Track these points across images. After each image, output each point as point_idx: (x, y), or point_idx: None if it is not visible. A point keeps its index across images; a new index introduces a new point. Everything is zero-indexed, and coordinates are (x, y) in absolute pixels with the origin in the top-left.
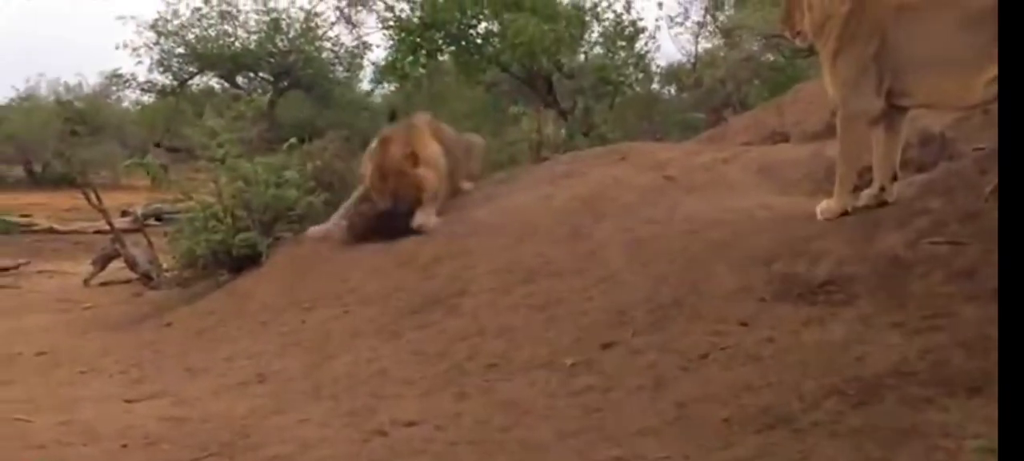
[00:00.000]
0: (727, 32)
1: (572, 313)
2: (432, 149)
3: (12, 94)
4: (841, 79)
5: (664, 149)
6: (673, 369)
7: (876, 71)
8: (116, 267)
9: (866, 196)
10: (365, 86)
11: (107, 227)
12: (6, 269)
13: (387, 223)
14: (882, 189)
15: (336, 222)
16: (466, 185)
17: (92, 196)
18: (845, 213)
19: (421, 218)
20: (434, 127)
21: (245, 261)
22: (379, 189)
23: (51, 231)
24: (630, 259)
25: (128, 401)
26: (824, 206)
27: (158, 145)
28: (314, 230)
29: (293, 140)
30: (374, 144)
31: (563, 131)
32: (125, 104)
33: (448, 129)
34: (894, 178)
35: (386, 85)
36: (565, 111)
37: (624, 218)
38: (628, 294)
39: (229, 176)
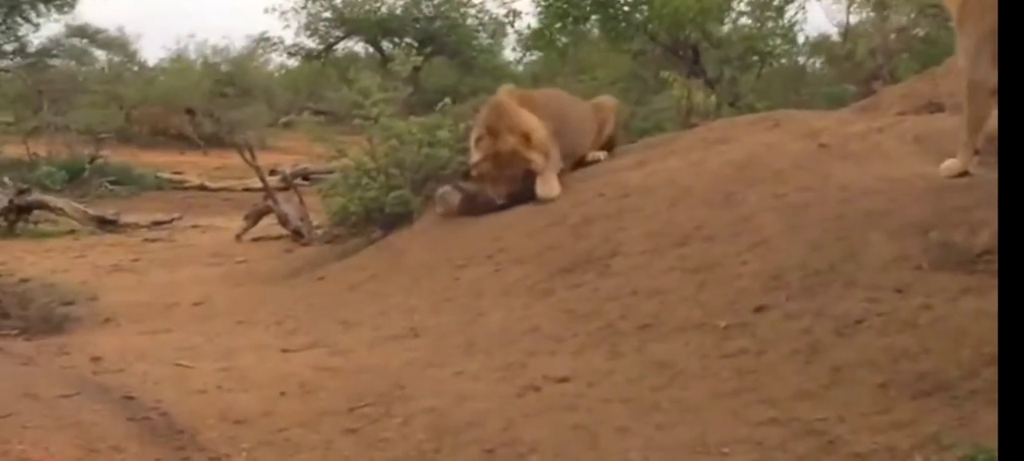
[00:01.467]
0: (879, 4)
1: (726, 276)
2: (530, 121)
3: (163, 55)
4: (964, 48)
5: (817, 117)
6: (828, 334)
7: (991, 44)
8: (266, 224)
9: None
10: (508, 54)
11: (259, 184)
12: (160, 223)
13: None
14: None
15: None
16: (596, 154)
17: (247, 154)
18: (965, 173)
19: (543, 188)
20: (520, 96)
21: (397, 219)
22: (494, 177)
23: (202, 188)
24: (784, 225)
25: (284, 351)
26: (947, 164)
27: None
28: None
29: (447, 100)
30: (475, 134)
31: (713, 99)
32: (271, 67)
33: (547, 94)
34: None
35: (532, 53)
36: (711, 81)
37: (777, 184)
38: (782, 259)
39: (382, 135)
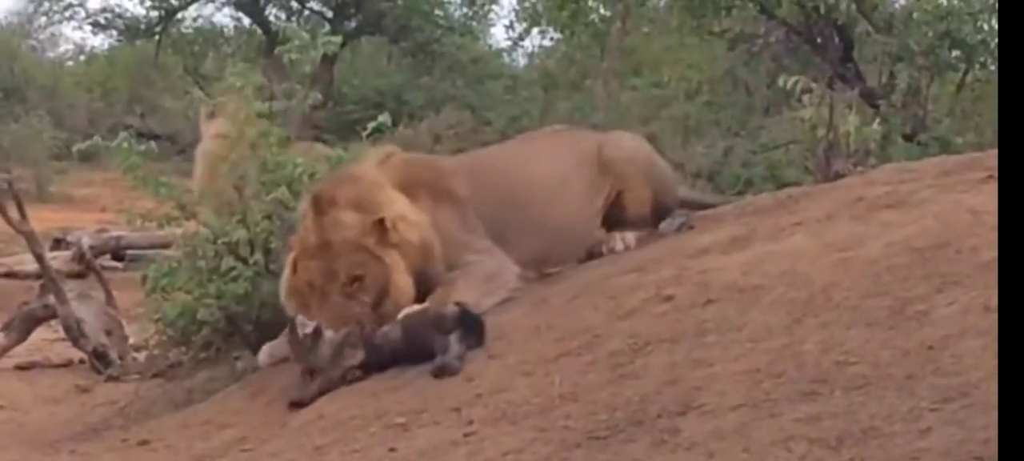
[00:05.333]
0: None
1: (893, 458)
2: (404, 208)
3: None
4: None
5: None
6: None
7: None
8: (44, 337)
9: None
10: (499, 38)
11: (32, 265)
12: None
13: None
14: None
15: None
16: (614, 241)
17: (11, 210)
18: None
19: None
20: (404, 168)
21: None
22: (319, 297)
23: None
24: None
25: None
26: None
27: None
28: (267, 350)
29: (382, 118)
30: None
31: (875, 126)
32: (60, 52)
33: (479, 159)
34: None
35: (543, 35)
36: (873, 93)
37: (989, 285)
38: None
39: (262, 180)
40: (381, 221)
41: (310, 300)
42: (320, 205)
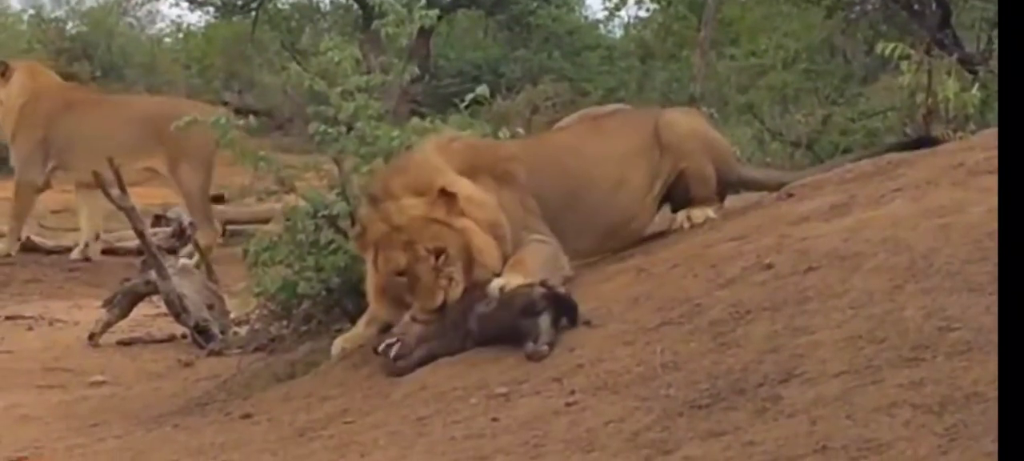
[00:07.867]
0: None
1: (996, 424)
2: (470, 189)
3: None
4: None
5: None
6: None
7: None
8: (145, 313)
9: None
10: (596, 8)
11: (132, 240)
12: None
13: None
14: None
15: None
16: (692, 214)
17: (113, 189)
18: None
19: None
20: (467, 150)
21: None
22: (406, 285)
23: (30, 248)
24: None
25: None
26: None
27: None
28: (339, 344)
29: (480, 90)
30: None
31: (975, 92)
32: (157, 29)
33: (546, 142)
34: None
35: (640, 6)
36: (973, 58)
37: None
38: None
39: (362, 153)
40: (444, 190)
41: (400, 291)
42: (375, 200)
